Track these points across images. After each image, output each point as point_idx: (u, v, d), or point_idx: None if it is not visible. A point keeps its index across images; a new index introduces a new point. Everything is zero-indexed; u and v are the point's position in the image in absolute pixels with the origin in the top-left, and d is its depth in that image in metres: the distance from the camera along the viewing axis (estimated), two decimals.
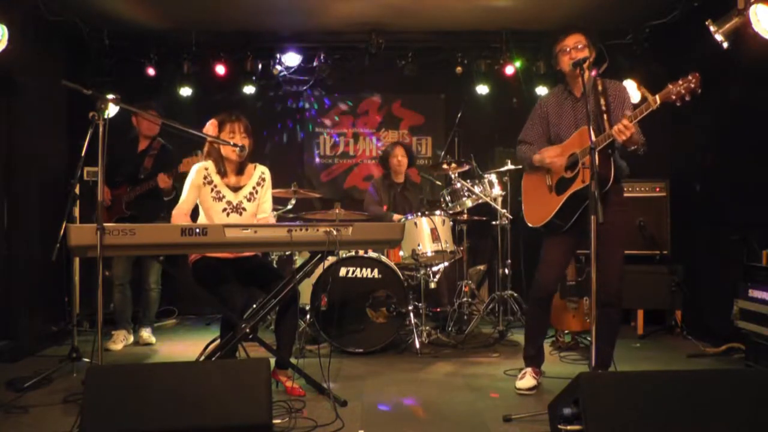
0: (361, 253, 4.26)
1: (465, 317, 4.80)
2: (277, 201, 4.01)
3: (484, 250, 5.88)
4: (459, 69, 5.71)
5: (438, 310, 4.89)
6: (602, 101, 3.05)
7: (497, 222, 4.84)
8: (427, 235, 4.32)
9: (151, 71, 5.55)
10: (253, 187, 3.40)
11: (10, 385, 3.33)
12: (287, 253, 4.81)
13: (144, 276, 4.64)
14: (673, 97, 2.68)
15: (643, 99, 2.78)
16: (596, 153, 2.68)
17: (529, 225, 3.33)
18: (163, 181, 4.28)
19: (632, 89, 4.17)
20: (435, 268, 4.59)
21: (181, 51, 5.56)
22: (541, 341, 3.44)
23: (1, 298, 4.22)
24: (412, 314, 4.24)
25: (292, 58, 5.65)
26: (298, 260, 4.63)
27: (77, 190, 3.31)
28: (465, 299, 4.83)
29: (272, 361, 3.06)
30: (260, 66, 5.70)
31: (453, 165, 4.67)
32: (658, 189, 4.97)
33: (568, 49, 3.11)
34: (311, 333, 4.38)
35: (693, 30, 4.49)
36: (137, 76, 5.56)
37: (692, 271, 4.82)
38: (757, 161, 4.06)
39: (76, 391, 3.12)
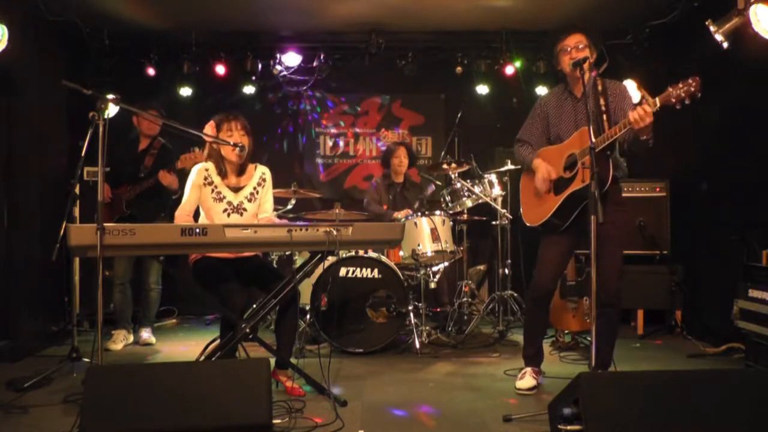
0: (361, 253, 4.27)
1: (465, 317, 4.80)
2: (277, 201, 4.01)
3: (484, 250, 5.88)
4: (459, 69, 5.72)
5: (438, 310, 4.90)
6: (602, 101, 3.05)
7: (497, 222, 4.84)
8: (427, 235, 4.31)
9: (151, 71, 5.56)
10: (254, 188, 3.40)
11: (10, 385, 3.32)
12: (287, 253, 4.81)
13: (144, 276, 4.64)
14: (673, 100, 2.66)
15: (643, 99, 2.77)
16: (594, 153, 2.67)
17: (527, 224, 3.34)
18: (165, 177, 4.28)
19: (632, 89, 4.17)
20: (435, 268, 4.59)
21: (181, 51, 5.57)
22: (540, 341, 3.44)
23: (1, 298, 4.22)
24: (412, 314, 4.24)
25: (292, 59, 5.64)
26: (298, 260, 4.62)
27: (77, 190, 3.32)
28: (465, 299, 4.84)
29: (272, 361, 3.06)
30: (260, 66, 5.70)
31: (453, 165, 4.67)
32: (658, 189, 4.97)
33: (568, 49, 3.10)
34: (311, 333, 4.38)
35: (693, 30, 4.49)
36: (137, 76, 5.56)
37: (692, 271, 4.81)
38: (757, 161, 4.06)
39: (76, 391, 3.12)
